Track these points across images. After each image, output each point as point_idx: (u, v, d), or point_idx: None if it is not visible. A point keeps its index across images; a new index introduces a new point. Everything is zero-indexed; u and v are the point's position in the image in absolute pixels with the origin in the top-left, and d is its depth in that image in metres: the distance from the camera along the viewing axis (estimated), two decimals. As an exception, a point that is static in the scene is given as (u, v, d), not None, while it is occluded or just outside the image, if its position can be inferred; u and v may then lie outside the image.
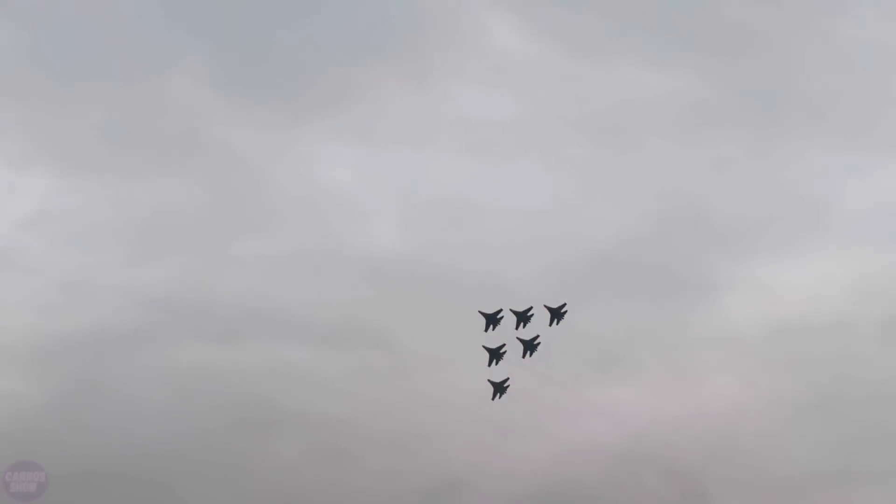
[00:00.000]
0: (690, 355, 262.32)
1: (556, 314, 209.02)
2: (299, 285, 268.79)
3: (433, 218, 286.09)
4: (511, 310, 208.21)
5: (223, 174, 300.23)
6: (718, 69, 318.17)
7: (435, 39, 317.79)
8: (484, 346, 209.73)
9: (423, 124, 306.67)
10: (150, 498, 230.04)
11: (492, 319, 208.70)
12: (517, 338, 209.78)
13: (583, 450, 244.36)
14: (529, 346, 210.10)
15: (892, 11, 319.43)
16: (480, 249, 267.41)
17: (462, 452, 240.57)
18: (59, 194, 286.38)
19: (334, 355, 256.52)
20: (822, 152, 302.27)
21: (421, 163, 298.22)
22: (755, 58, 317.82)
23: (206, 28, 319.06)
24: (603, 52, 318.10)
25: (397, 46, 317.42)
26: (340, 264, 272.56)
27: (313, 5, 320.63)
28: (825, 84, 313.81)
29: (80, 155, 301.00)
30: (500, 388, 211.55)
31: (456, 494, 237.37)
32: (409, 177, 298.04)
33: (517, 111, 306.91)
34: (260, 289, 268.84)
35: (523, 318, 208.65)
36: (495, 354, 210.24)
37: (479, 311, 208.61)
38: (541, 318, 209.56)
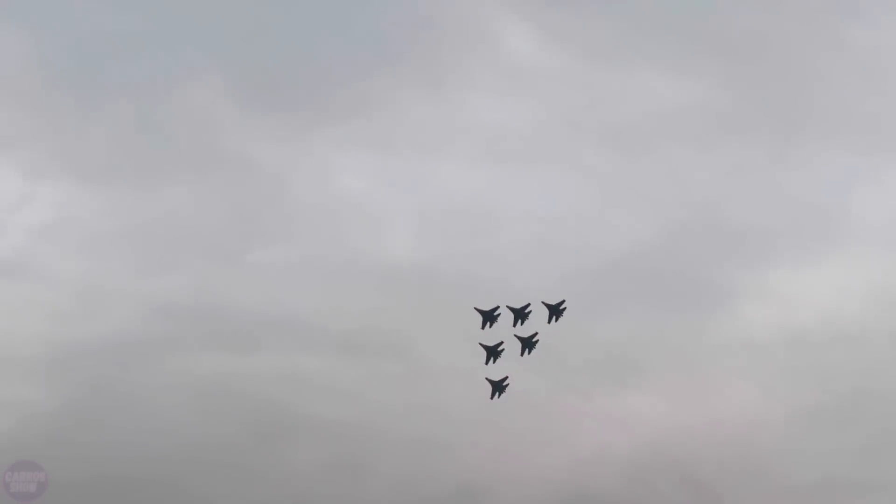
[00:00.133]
0: (706, 363, 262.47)
1: (555, 311, 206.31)
2: (315, 293, 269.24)
3: (449, 226, 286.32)
4: (508, 306, 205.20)
5: (240, 183, 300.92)
6: (734, 77, 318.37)
7: (451, 48, 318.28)
8: (481, 344, 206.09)
9: (439, 133, 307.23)
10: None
11: (488, 317, 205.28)
12: (515, 335, 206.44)
13: (598, 457, 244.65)
14: (528, 343, 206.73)
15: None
16: (496, 257, 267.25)
17: (477, 459, 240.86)
18: (74, 203, 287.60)
19: (350, 363, 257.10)
20: (840, 160, 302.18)
21: (437, 171, 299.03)
22: (771, 65, 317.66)
23: (222, 38, 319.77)
24: (619, 60, 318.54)
25: (413, 55, 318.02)
26: (356, 272, 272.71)
27: (329, 15, 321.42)
28: (841, 91, 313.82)
29: (97, 164, 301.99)
30: (498, 386, 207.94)
31: (471, 501, 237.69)
32: (425, 185, 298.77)
33: (533, 119, 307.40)
34: (276, 297, 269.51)
35: (521, 314, 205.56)
36: (493, 352, 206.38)
37: (475, 308, 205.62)
38: (539, 315, 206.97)
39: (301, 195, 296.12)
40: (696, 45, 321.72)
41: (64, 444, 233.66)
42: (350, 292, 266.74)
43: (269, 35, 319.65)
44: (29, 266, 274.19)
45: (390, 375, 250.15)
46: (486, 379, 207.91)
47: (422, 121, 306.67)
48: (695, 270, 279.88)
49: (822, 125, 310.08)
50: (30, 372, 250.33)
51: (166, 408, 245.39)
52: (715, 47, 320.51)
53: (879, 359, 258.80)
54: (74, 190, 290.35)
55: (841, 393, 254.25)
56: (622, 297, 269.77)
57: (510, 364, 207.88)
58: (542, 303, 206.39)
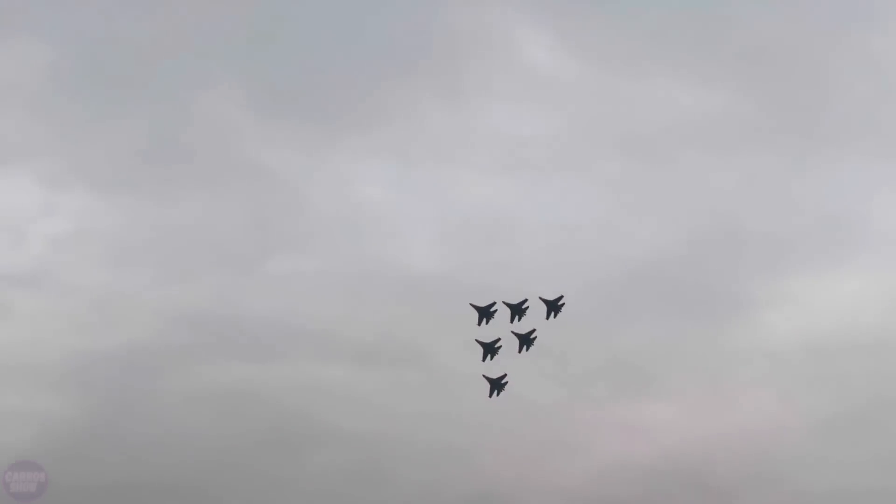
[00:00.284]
0: (725, 372, 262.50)
1: (553, 307, 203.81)
2: (334, 303, 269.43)
3: (468, 235, 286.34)
4: (504, 302, 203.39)
5: (259, 193, 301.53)
6: (754, 86, 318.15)
7: (469, 57, 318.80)
8: (477, 340, 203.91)
9: (458, 142, 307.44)
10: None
11: (485, 313, 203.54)
12: (512, 332, 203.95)
13: (618, 466, 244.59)
14: (525, 340, 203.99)
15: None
16: (515, 266, 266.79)
17: (496, 468, 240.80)
18: (94, 213, 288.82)
19: (370, 372, 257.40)
20: (859, 169, 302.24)
21: (456, 180, 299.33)
22: (791, 75, 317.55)
23: (242, 48, 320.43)
24: (638, 69, 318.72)
25: (432, 65, 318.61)
26: (376, 282, 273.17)
27: (348, 25, 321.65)
28: (861, 100, 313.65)
29: (116, 174, 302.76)
30: (497, 384, 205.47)
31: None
32: (444, 194, 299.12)
33: (552, 128, 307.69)
34: (295, 306, 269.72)
35: (518, 310, 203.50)
36: (490, 349, 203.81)
37: (471, 304, 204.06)
38: (537, 311, 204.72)
39: (320, 205, 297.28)
40: (715, 54, 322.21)
41: (84, 452, 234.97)
42: (369, 302, 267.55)
43: (288, 45, 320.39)
44: (49, 276, 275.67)
45: (409, 384, 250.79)
46: (484, 377, 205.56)
47: (441, 130, 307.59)
48: (714, 279, 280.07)
49: (842, 134, 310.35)
50: (50, 381, 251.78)
51: (186, 417, 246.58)
52: (734, 56, 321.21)
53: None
54: (94, 200, 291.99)
55: (860, 401, 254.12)
56: (641, 305, 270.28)
57: (509, 361, 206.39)
58: (540, 298, 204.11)
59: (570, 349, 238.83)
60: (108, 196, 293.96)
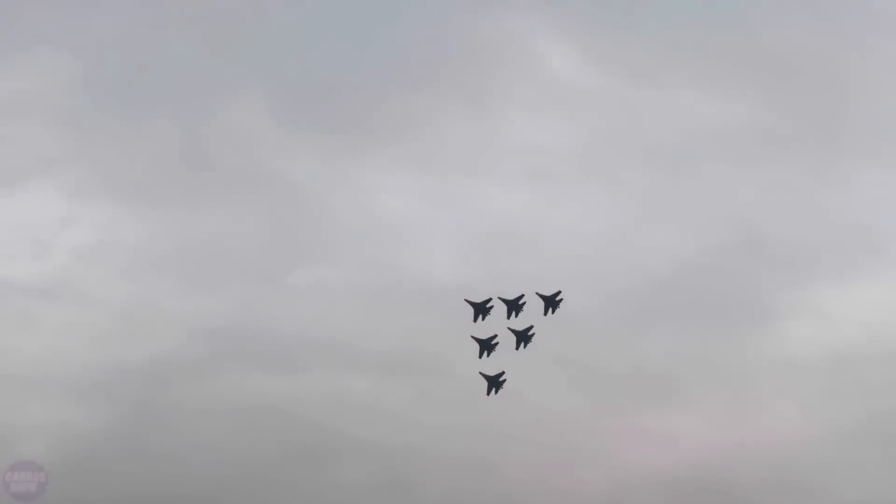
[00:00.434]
0: (749, 382, 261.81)
1: (551, 302, 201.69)
2: (358, 314, 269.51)
3: (491, 246, 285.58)
4: (501, 298, 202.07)
5: (282, 204, 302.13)
6: (775, 96, 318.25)
7: (492, 68, 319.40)
8: (473, 337, 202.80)
9: (481, 153, 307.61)
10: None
11: (480, 309, 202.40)
12: (509, 328, 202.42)
13: (641, 476, 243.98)
14: (523, 337, 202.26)
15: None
16: (538, 278, 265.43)
17: (522, 478, 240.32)
18: (117, 224, 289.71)
19: (394, 384, 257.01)
20: (881, 177, 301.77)
21: (479, 192, 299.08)
22: (812, 84, 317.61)
23: (266, 59, 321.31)
24: (659, 79, 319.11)
25: (455, 76, 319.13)
26: (399, 293, 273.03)
27: (372, 36, 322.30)
28: (882, 109, 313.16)
29: (139, 185, 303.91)
30: (494, 382, 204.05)
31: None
32: (468, 206, 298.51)
33: (575, 139, 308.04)
34: (319, 318, 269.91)
35: (515, 307, 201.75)
36: (486, 346, 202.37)
37: (466, 300, 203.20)
38: (534, 307, 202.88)
39: (343, 216, 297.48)
40: (736, 64, 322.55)
41: (107, 464, 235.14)
42: (393, 313, 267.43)
43: (313, 56, 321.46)
44: (72, 287, 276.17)
45: (434, 396, 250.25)
46: (481, 374, 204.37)
47: (464, 141, 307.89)
48: (737, 289, 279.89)
49: (864, 142, 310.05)
50: (73, 393, 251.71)
51: (209, 429, 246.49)
52: (756, 67, 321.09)
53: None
54: (117, 211, 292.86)
55: (886, 412, 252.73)
56: (665, 315, 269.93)
57: (506, 358, 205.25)
58: (537, 294, 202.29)
59: (594, 358, 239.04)
60: (132, 207, 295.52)
